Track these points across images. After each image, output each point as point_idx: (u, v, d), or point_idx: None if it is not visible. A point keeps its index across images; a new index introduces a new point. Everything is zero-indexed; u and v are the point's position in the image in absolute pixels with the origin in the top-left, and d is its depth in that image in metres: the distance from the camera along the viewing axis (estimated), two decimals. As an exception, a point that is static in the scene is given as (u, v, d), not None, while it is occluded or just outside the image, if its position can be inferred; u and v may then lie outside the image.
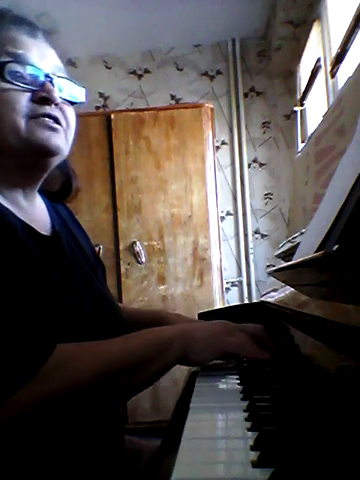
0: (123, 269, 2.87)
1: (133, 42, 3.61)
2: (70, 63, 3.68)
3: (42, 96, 0.75)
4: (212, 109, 3.02)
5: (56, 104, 0.77)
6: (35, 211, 0.84)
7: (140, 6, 3.16)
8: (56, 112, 0.77)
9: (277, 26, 3.11)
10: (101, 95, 3.77)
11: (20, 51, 0.75)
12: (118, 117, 2.92)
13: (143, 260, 2.87)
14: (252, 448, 0.45)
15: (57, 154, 0.78)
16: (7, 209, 0.75)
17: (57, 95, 0.77)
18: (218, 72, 3.73)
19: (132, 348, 0.70)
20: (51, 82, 0.77)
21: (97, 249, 2.86)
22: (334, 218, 0.51)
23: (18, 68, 0.74)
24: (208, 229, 2.89)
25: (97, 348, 0.69)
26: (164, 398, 2.72)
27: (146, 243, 2.88)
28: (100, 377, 0.65)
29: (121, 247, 2.89)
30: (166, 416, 0.73)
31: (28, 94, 0.75)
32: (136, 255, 2.87)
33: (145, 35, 3.54)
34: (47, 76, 0.77)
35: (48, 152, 0.77)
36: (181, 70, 3.75)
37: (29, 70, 0.75)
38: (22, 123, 0.74)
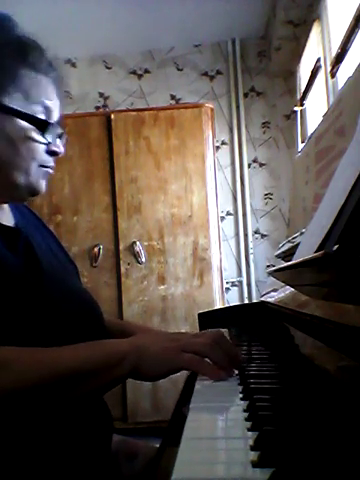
0: (123, 269, 2.87)
1: (133, 42, 3.61)
2: (70, 63, 3.69)
3: (54, 151, 0.85)
4: (212, 109, 3.02)
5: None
6: (1, 210, 0.88)
7: (140, 6, 3.16)
8: (53, 162, 0.87)
9: (277, 26, 3.11)
10: (101, 95, 3.77)
11: (50, 104, 0.84)
12: (118, 117, 2.92)
13: (143, 260, 2.87)
14: (252, 448, 0.45)
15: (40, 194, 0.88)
16: None
17: (61, 149, 0.87)
18: (218, 72, 3.73)
19: (81, 358, 0.70)
20: (60, 137, 0.87)
21: (97, 249, 2.86)
22: (334, 218, 0.51)
23: (50, 128, 0.83)
24: (208, 229, 2.89)
25: (41, 354, 0.69)
26: (164, 398, 2.72)
27: (146, 243, 2.88)
28: (39, 383, 0.65)
29: (121, 247, 2.89)
30: (166, 416, 0.72)
31: (45, 147, 0.84)
32: (136, 255, 2.87)
33: (145, 35, 3.54)
34: (61, 133, 0.87)
35: (38, 194, 0.87)
36: (181, 70, 3.75)
37: (54, 130, 0.84)
38: (34, 170, 0.83)
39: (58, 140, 0.87)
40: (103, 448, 0.82)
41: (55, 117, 0.86)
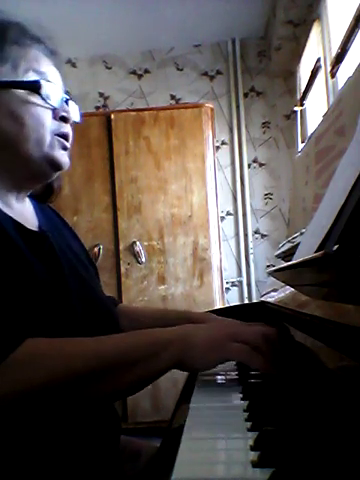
0: (123, 269, 2.87)
1: (133, 42, 3.61)
2: (70, 63, 3.68)
3: (62, 116, 0.83)
4: (212, 109, 3.02)
5: (70, 123, 0.85)
6: (24, 211, 0.87)
7: (140, 6, 3.16)
8: (69, 130, 0.85)
9: (277, 26, 3.11)
10: (101, 95, 3.77)
11: (43, 70, 0.82)
12: (118, 117, 2.92)
13: (143, 260, 2.87)
14: (252, 448, 0.45)
15: (64, 169, 0.85)
16: None
17: (72, 115, 0.85)
18: (218, 72, 3.73)
19: (120, 348, 0.68)
20: (67, 102, 0.85)
21: (97, 249, 2.86)
22: (334, 218, 0.51)
23: (48, 87, 0.81)
24: (208, 229, 2.89)
25: (77, 345, 0.67)
26: (164, 398, 2.72)
27: (146, 243, 2.88)
28: (75, 375, 0.64)
29: (121, 247, 2.89)
30: (166, 416, 0.72)
31: (51, 112, 0.82)
32: (136, 255, 2.87)
33: (145, 35, 3.54)
34: (66, 97, 0.85)
35: (60, 168, 0.84)
36: (181, 70, 3.75)
37: (55, 89, 0.82)
38: (48, 138, 0.81)
39: (66, 105, 0.84)
40: (111, 449, 0.82)
41: (53, 81, 0.83)
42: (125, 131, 2.90)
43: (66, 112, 0.83)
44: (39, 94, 0.80)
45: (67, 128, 0.84)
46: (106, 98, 3.76)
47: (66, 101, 0.85)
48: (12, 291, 0.68)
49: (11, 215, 0.79)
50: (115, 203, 2.89)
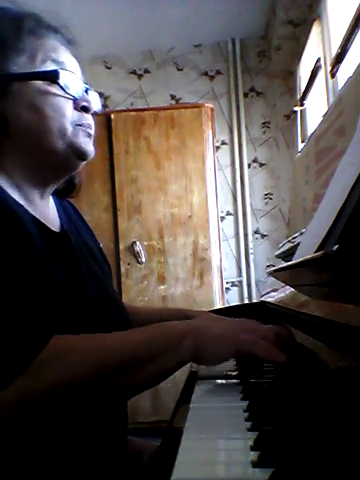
0: (123, 269, 2.87)
1: (133, 42, 3.61)
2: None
3: (83, 105, 0.82)
4: (212, 109, 3.02)
5: (91, 113, 0.84)
6: (48, 209, 0.86)
7: (140, 6, 3.16)
8: (91, 120, 0.84)
9: (277, 26, 3.11)
10: (101, 95, 3.75)
11: (62, 60, 0.81)
12: (118, 117, 2.92)
13: (143, 260, 2.87)
14: (252, 448, 0.45)
15: (90, 158, 0.85)
16: (19, 204, 0.77)
17: (93, 105, 0.84)
18: (218, 72, 3.73)
19: (137, 342, 0.68)
20: (87, 92, 0.84)
21: (97, 249, 2.86)
22: (334, 218, 0.51)
23: (66, 76, 0.80)
24: (208, 229, 2.89)
25: (98, 340, 0.67)
26: (164, 398, 2.72)
27: (146, 243, 2.88)
28: (99, 371, 0.63)
29: (121, 247, 2.89)
30: (166, 416, 0.72)
31: (71, 102, 0.81)
32: (136, 255, 2.87)
33: (145, 35, 3.54)
34: (86, 86, 0.84)
35: (86, 157, 0.83)
36: (181, 70, 3.75)
37: (74, 79, 0.81)
38: (70, 128, 0.80)
39: (86, 95, 0.83)
40: (118, 449, 0.82)
41: (73, 71, 0.82)
42: (125, 131, 2.90)
43: (87, 102, 0.82)
44: (58, 84, 0.78)
45: (89, 118, 0.83)
46: (106, 98, 3.76)
47: (86, 90, 0.84)
48: (34, 291, 0.68)
49: (34, 214, 0.78)
50: (115, 203, 2.89)
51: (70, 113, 0.80)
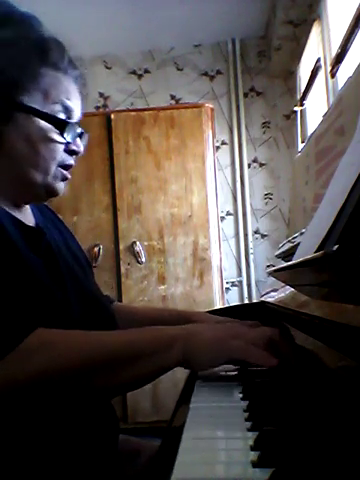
0: (123, 269, 2.87)
1: (133, 42, 3.61)
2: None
3: (74, 150, 0.85)
4: (212, 109, 3.02)
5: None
6: (22, 209, 0.88)
7: (140, 6, 3.16)
8: (73, 162, 0.86)
9: (277, 26, 3.11)
10: (101, 95, 3.77)
11: (70, 104, 0.83)
12: (118, 117, 2.92)
13: (143, 260, 2.87)
14: (252, 448, 0.45)
15: (59, 196, 0.87)
16: None
17: (81, 149, 0.86)
18: (218, 72, 3.73)
19: (123, 342, 0.69)
20: (80, 136, 0.86)
21: (97, 249, 2.86)
22: (334, 218, 0.51)
23: (70, 128, 0.82)
24: (208, 229, 2.89)
25: (84, 336, 0.69)
26: (164, 398, 2.71)
27: (146, 243, 2.88)
28: (81, 364, 0.65)
29: (121, 247, 2.89)
30: (166, 416, 0.72)
31: (63, 145, 0.83)
32: (136, 255, 2.87)
33: (145, 35, 3.54)
34: (81, 132, 0.86)
35: (55, 196, 0.86)
36: (181, 70, 3.75)
37: (75, 128, 0.84)
38: (53, 169, 0.82)
39: (78, 139, 0.86)
40: (110, 449, 0.82)
41: (75, 116, 0.85)
42: (125, 131, 2.90)
43: (77, 147, 0.85)
44: (61, 134, 0.81)
45: (72, 160, 0.86)
46: (106, 98, 3.76)
47: (79, 135, 0.86)
48: (15, 284, 0.69)
49: (7, 209, 0.80)
50: (115, 203, 2.89)
51: (60, 156, 0.83)
